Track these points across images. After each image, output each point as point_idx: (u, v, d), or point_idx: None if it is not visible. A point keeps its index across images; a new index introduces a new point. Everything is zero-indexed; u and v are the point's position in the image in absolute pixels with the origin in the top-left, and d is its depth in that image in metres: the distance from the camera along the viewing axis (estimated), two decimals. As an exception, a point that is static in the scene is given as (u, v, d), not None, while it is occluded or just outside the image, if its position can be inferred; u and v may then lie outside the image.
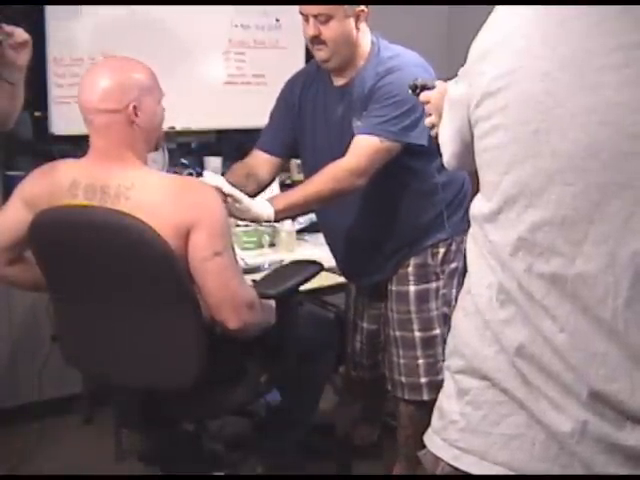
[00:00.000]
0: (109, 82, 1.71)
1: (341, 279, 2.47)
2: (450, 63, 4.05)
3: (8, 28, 1.90)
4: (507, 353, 0.93)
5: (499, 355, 0.94)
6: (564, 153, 0.87)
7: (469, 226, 2.17)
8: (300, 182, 3.22)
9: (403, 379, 2.26)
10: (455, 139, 1.11)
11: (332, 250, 2.40)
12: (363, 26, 2.11)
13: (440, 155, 1.23)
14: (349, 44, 2.07)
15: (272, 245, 2.81)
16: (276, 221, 2.09)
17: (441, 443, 1.03)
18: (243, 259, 2.48)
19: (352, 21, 2.05)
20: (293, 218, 2.47)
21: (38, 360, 2.72)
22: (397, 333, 2.26)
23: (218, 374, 1.82)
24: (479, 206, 1.01)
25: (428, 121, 1.43)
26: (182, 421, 2.05)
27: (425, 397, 2.21)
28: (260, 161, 2.29)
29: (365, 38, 2.13)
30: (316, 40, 2.06)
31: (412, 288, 2.22)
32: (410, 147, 2.07)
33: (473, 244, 1.02)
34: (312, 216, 3.01)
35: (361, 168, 2.03)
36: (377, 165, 2.04)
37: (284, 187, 2.95)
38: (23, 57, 1.95)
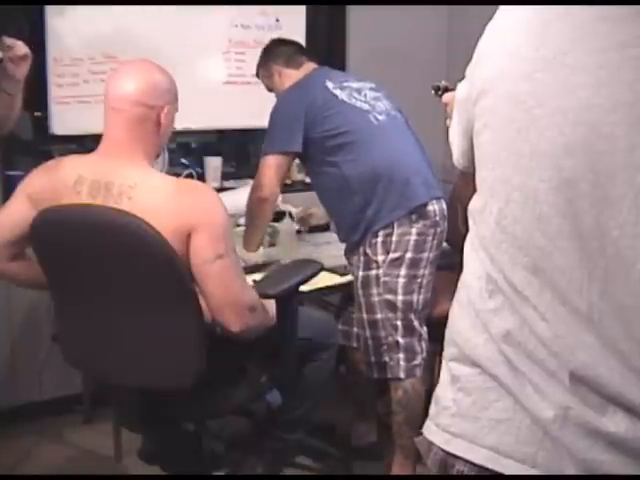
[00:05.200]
0: (154, 79, 1.76)
1: (341, 279, 2.48)
2: (449, 63, 4.06)
3: (9, 41, 1.91)
4: (495, 341, 0.96)
5: (488, 343, 0.98)
6: (542, 151, 0.91)
7: (407, 212, 2.29)
8: (300, 182, 3.26)
9: (362, 356, 2.45)
10: (461, 138, 1.15)
11: None
12: (288, 73, 2.54)
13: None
14: (278, 88, 2.57)
15: (272, 245, 2.81)
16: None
17: (434, 428, 1.06)
18: (243, 259, 2.48)
19: (276, 76, 2.57)
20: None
21: (38, 360, 2.73)
22: (356, 314, 2.45)
23: (218, 374, 1.82)
24: (473, 201, 1.05)
25: (449, 122, 1.46)
26: (182, 421, 2.05)
27: (375, 375, 2.39)
28: None
29: (292, 81, 2.50)
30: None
31: (360, 274, 2.38)
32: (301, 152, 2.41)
33: (469, 239, 1.06)
34: (312, 216, 3.02)
35: (258, 185, 2.44)
36: (273, 176, 2.40)
37: (284, 186, 2.95)
38: (22, 70, 1.96)
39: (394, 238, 2.33)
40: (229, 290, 1.72)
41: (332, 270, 2.47)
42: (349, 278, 2.47)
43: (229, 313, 1.73)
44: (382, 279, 2.33)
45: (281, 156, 2.40)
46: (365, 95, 2.46)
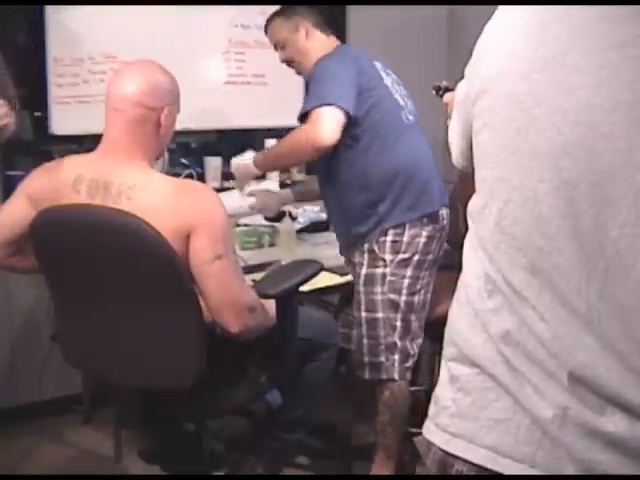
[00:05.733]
0: (153, 80, 1.75)
1: (341, 279, 2.48)
2: (449, 63, 4.06)
3: None
4: (494, 341, 0.96)
5: (487, 343, 0.98)
6: (541, 151, 0.91)
7: (420, 216, 2.23)
8: (300, 182, 3.26)
9: (355, 355, 2.39)
10: (461, 139, 1.15)
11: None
12: (313, 37, 2.38)
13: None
14: (305, 54, 2.37)
15: (272, 245, 2.81)
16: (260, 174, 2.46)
17: (434, 428, 1.06)
18: (243, 259, 2.48)
19: (302, 32, 2.37)
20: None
21: (38, 360, 2.73)
22: (354, 313, 2.39)
23: (218, 374, 1.82)
24: (472, 201, 1.05)
25: (450, 122, 1.46)
26: (182, 421, 2.06)
27: (366, 376, 2.35)
28: None
29: (319, 46, 2.36)
30: (286, 62, 2.43)
31: (363, 271, 2.34)
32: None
33: (468, 239, 1.06)
34: (312, 216, 3.02)
35: (319, 126, 2.12)
36: (334, 123, 2.12)
37: (284, 187, 2.95)
38: (3, 134, 1.98)
39: (405, 239, 2.30)
40: (228, 291, 1.72)
41: (332, 270, 2.46)
42: (349, 278, 2.47)
43: (228, 314, 1.73)
44: (388, 278, 2.30)
45: (337, 109, 2.12)
46: (401, 90, 2.39)
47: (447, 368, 1.06)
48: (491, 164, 0.98)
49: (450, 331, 1.07)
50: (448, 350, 1.07)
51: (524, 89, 0.92)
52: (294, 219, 2.94)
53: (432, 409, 1.08)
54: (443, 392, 1.06)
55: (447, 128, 1.44)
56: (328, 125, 2.10)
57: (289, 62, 2.43)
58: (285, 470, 2.35)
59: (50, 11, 2.80)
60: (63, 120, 2.87)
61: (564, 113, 0.88)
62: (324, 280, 2.35)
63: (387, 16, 3.48)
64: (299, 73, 2.44)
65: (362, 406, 2.75)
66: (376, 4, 3.40)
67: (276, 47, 2.44)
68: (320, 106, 2.11)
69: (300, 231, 2.90)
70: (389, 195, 2.29)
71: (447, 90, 1.59)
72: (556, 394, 0.90)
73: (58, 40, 2.83)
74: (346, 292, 2.49)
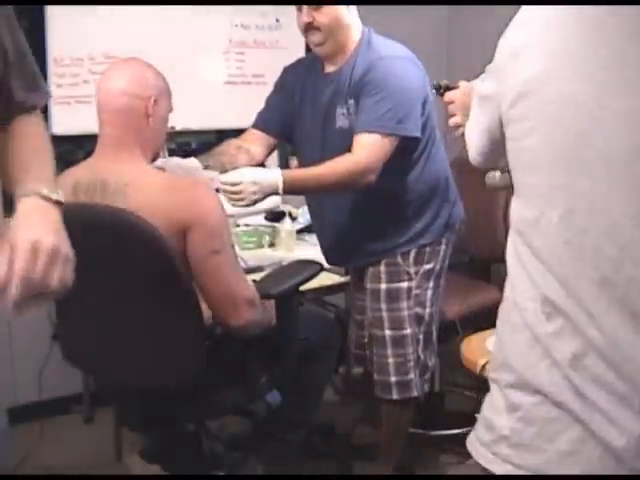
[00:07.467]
0: (137, 72, 1.78)
1: (341, 279, 2.47)
2: (449, 63, 4.06)
3: None
4: (560, 366, 0.92)
5: (552, 369, 0.93)
6: (608, 156, 0.86)
7: (446, 231, 2.17)
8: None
9: (375, 377, 2.30)
10: (483, 136, 1.10)
11: (315, 228, 2.47)
12: (354, 12, 2.14)
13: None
14: (342, 27, 2.10)
15: (272, 245, 2.81)
16: (285, 193, 2.06)
17: (491, 457, 1.02)
18: (243, 259, 2.47)
19: (345, 8, 2.09)
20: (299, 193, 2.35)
21: (38, 360, 2.72)
22: (371, 331, 2.30)
23: (218, 374, 1.82)
24: (518, 210, 0.99)
25: (452, 121, 1.44)
26: (182, 421, 2.06)
27: (395, 396, 2.25)
28: (253, 137, 2.35)
29: (355, 24, 2.15)
30: (310, 26, 2.09)
31: (383, 286, 2.24)
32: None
33: (514, 253, 1.00)
34: (312, 216, 3.00)
35: (372, 165, 2.03)
36: (383, 160, 2.04)
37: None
38: None
39: (427, 248, 2.23)
40: (227, 285, 1.73)
41: (332, 270, 2.46)
42: (349, 278, 2.46)
43: (227, 308, 1.73)
44: (414, 292, 2.22)
45: (396, 140, 2.04)
46: None
47: (503, 394, 1.01)
48: (545, 171, 0.92)
49: (505, 356, 1.02)
50: (504, 376, 1.02)
51: (584, 90, 0.87)
52: (294, 219, 2.94)
53: (485, 435, 1.04)
54: (499, 419, 1.01)
55: (447, 126, 1.41)
56: (375, 159, 2.02)
57: (313, 28, 2.09)
58: (285, 470, 2.35)
59: (50, 11, 2.80)
60: (63, 120, 2.87)
61: (631, 114, 0.84)
62: (324, 280, 2.35)
63: (387, 17, 3.48)
64: (318, 45, 2.12)
65: (370, 410, 2.72)
66: (376, 4, 3.39)
67: (299, 7, 2.09)
68: (380, 131, 2.02)
69: (300, 231, 2.90)
70: (429, 209, 2.23)
71: (448, 89, 1.57)
72: (629, 420, 0.86)
73: (58, 40, 2.82)
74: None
